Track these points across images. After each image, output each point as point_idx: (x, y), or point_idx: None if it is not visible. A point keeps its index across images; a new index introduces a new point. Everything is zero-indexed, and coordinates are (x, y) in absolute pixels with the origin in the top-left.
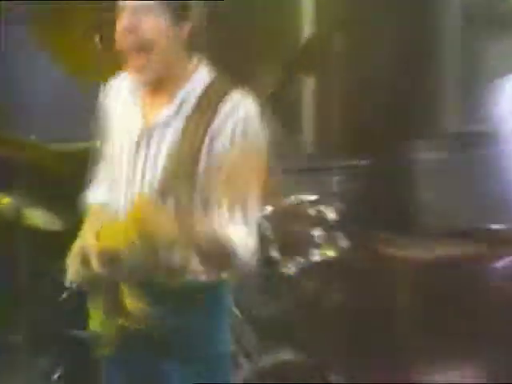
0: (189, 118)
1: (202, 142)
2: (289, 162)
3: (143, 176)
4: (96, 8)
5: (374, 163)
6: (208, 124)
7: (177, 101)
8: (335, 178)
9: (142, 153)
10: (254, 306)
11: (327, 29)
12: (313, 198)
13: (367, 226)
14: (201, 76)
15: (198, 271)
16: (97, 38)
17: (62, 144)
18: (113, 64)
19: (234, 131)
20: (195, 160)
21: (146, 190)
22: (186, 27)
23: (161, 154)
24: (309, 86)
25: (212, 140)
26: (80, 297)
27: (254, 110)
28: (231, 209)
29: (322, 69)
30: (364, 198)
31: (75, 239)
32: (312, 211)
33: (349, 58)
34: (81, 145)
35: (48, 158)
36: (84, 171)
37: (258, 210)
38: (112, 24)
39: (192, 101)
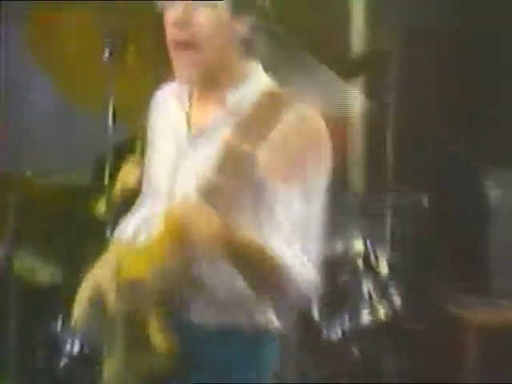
0: (243, 124)
1: (259, 147)
2: (332, 200)
3: (186, 183)
4: (105, 18)
5: (437, 201)
6: (267, 132)
7: (228, 104)
8: (389, 220)
9: (187, 160)
10: (291, 376)
11: (381, 45)
12: (361, 245)
13: (426, 280)
14: (257, 80)
15: (242, 295)
16: (106, 53)
17: (59, 176)
18: (125, 81)
19: (297, 143)
20: (251, 161)
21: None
22: (246, 22)
23: (209, 157)
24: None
25: (271, 150)
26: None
27: (320, 125)
28: (291, 227)
29: (376, 88)
30: (423, 245)
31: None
32: (360, 262)
33: (406, 77)
34: (79, 178)
35: (43, 195)
36: (83, 209)
37: (320, 237)
38: (124, 35)
39: (246, 106)
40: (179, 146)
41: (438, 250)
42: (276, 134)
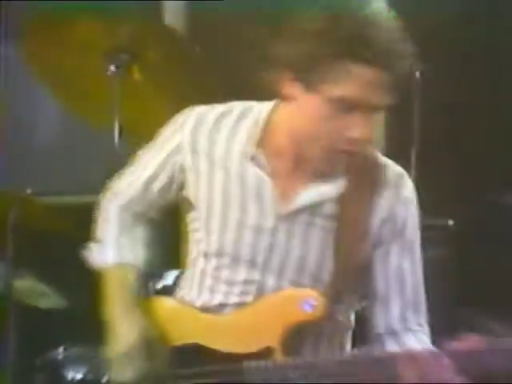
0: (343, 199)
1: (367, 230)
2: None
3: (286, 266)
4: (112, 28)
5: (466, 223)
6: (370, 206)
7: (329, 177)
8: None
9: (281, 236)
10: None
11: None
12: None
13: (455, 308)
14: None
15: None
16: (112, 68)
17: (60, 197)
18: (132, 97)
19: (402, 216)
20: (364, 252)
21: (295, 283)
22: None
23: (313, 241)
24: (379, 118)
25: (378, 227)
26: None
27: (413, 190)
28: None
29: (400, 110)
30: (451, 270)
31: (79, 318)
32: None
33: (432, 99)
34: (82, 197)
35: (44, 215)
36: (87, 231)
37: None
38: (131, 50)
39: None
40: (266, 215)
41: (469, 275)
42: (379, 209)
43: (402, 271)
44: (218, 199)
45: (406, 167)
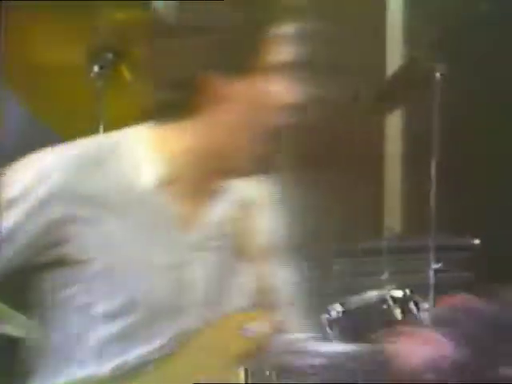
0: (236, 215)
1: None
2: (364, 241)
3: (206, 300)
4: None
5: (492, 242)
6: (253, 219)
7: (227, 197)
8: (432, 265)
9: (197, 269)
10: None
11: (422, 63)
12: (399, 293)
13: (481, 338)
14: None
15: None
16: (96, 69)
17: None
18: (117, 102)
19: (268, 225)
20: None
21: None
22: None
23: (226, 266)
24: (395, 124)
25: (257, 240)
26: None
27: (272, 197)
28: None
29: (418, 113)
30: (476, 295)
31: None
32: (398, 313)
33: (453, 101)
34: None
35: None
36: None
37: None
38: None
39: (237, 192)
40: (175, 250)
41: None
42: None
43: (278, 280)
44: (116, 247)
45: (426, 179)
